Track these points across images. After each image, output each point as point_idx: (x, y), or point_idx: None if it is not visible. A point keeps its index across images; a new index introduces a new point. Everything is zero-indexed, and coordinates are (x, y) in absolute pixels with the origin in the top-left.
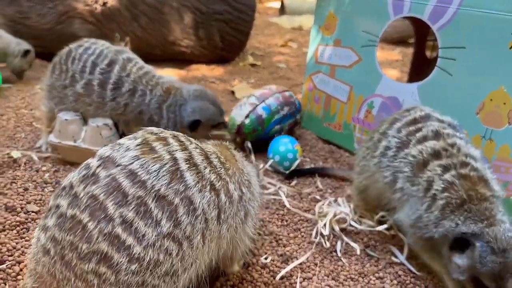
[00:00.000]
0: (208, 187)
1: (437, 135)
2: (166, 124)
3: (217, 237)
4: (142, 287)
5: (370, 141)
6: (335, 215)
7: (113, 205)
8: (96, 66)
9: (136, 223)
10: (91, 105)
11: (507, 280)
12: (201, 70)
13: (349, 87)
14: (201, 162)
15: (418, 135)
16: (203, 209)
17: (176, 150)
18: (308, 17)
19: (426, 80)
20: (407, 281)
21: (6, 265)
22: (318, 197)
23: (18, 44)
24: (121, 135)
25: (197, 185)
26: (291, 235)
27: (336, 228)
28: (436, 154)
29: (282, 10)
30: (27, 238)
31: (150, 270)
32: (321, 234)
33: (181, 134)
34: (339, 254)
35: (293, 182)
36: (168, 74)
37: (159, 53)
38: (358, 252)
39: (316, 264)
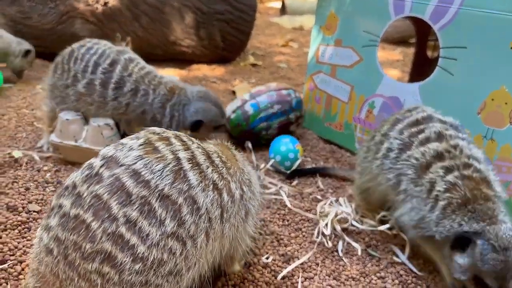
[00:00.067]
0: (211, 187)
1: (439, 136)
2: (168, 123)
3: (220, 236)
4: (146, 287)
5: (371, 141)
6: (336, 215)
7: (117, 204)
8: (98, 66)
9: (140, 222)
10: (92, 105)
11: (509, 280)
12: (202, 70)
13: (350, 87)
14: (204, 162)
15: (421, 136)
16: (206, 208)
17: (179, 149)
18: (309, 17)
19: (428, 80)
20: (409, 281)
21: (8, 265)
22: (319, 197)
23: (19, 44)
24: (122, 135)
25: (200, 185)
26: (293, 234)
27: (338, 228)
28: (439, 156)
29: (283, 10)
30: (28, 237)
31: (154, 270)
32: (323, 234)
33: (183, 134)
34: (341, 254)
35: (294, 182)
36: (169, 74)
37: (160, 53)
38: (360, 252)
39: (317, 264)
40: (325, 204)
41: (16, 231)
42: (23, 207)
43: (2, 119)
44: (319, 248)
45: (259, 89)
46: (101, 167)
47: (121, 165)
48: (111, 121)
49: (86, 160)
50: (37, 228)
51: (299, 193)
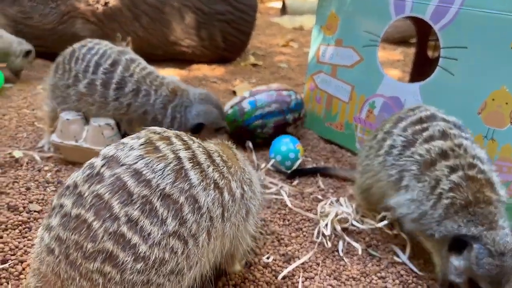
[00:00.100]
0: (212, 186)
1: (444, 135)
2: (169, 124)
3: (222, 235)
4: (147, 286)
5: (373, 140)
6: (337, 215)
7: (118, 204)
8: (99, 66)
9: (142, 222)
10: (93, 105)
11: (505, 285)
12: (202, 70)
13: (350, 87)
14: (205, 161)
15: (425, 134)
16: (207, 207)
17: (180, 149)
18: (309, 17)
19: (428, 80)
20: (409, 281)
21: (9, 264)
22: (320, 196)
23: (19, 44)
24: (123, 135)
25: (201, 184)
26: (293, 234)
27: (338, 228)
28: (443, 154)
29: (284, 10)
30: (29, 237)
31: (156, 269)
32: (323, 234)
33: (183, 133)
34: (341, 254)
35: (295, 182)
36: (170, 74)
37: (161, 53)
38: (360, 252)
39: (318, 264)
40: (325, 204)
41: (17, 231)
42: (24, 207)
43: (3, 119)
44: (319, 248)
45: (260, 88)
46: (102, 166)
47: (122, 165)
48: (111, 121)
49: (87, 160)
50: (38, 228)
51: (300, 193)
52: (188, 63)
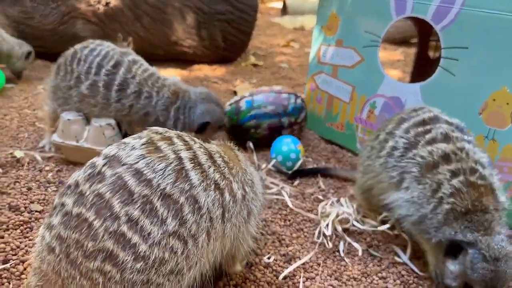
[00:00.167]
0: (213, 186)
1: (446, 138)
2: (172, 126)
3: (222, 236)
4: (147, 285)
5: (375, 140)
6: (337, 215)
7: (119, 203)
8: (102, 67)
9: (142, 221)
10: (95, 106)
11: None
12: (203, 70)
13: (351, 87)
14: (206, 162)
15: (427, 136)
16: (208, 208)
17: (181, 149)
18: (310, 17)
19: (429, 80)
20: (410, 281)
21: (10, 264)
22: (320, 197)
23: (20, 46)
24: (124, 135)
25: (202, 184)
26: (294, 235)
27: (339, 228)
28: (446, 158)
29: (284, 10)
30: (30, 237)
31: (155, 269)
32: (324, 234)
33: (185, 134)
34: (342, 254)
35: (296, 182)
36: (171, 74)
37: (162, 53)
38: (361, 252)
39: (319, 264)
40: (326, 204)
41: (18, 230)
42: (25, 207)
43: (4, 119)
44: (320, 248)
45: (261, 89)
46: (103, 166)
47: (124, 164)
48: (112, 121)
49: (88, 160)
50: (39, 227)
51: (301, 193)
52: (189, 63)
